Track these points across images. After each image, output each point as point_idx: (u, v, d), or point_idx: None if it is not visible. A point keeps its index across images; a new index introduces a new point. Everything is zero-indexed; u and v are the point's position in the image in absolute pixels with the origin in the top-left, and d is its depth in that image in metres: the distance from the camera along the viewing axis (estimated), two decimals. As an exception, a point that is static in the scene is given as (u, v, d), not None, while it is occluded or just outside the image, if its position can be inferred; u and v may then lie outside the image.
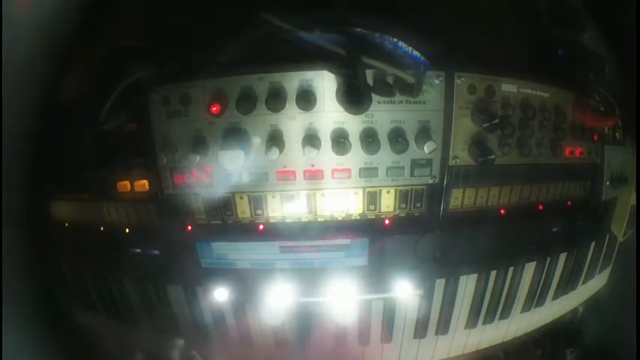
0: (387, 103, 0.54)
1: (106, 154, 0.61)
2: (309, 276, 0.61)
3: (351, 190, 0.58)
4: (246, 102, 0.52)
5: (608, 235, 0.78)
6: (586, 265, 0.76)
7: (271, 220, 0.59)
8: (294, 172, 0.56)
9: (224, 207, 0.58)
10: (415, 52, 0.53)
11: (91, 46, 0.58)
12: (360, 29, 0.55)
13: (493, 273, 0.68)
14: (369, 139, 0.53)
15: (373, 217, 0.59)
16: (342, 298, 0.62)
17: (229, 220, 0.59)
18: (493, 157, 0.55)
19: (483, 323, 0.70)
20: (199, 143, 0.54)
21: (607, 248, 0.79)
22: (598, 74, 0.68)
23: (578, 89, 0.66)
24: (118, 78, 0.55)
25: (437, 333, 0.69)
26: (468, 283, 0.67)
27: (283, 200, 0.58)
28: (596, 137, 0.69)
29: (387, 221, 0.59)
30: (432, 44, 0.55)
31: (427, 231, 0.61)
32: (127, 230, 0.63)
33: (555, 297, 0.75)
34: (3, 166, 0.45)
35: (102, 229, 0.64)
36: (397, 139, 0.53)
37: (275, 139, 0.53)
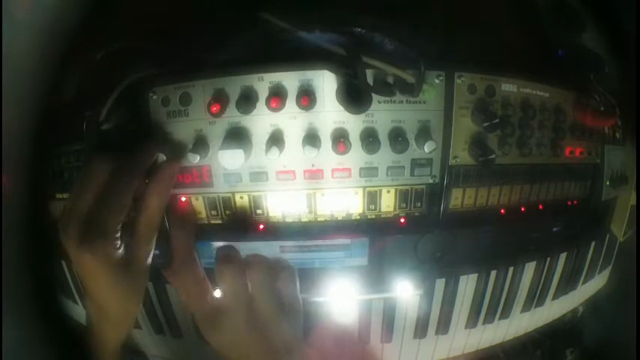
0: (387, 102, 0.54)
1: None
2: (309, 276, 0.61)
3: (351, 189, 0.58)
4: (247, 102, 0.52)
5: (608, 235, 0.78)
6: (586, 265, 0.76)
7: (271, 220, 0.59)
8: (294, 172, 0.56)
9: (224, 207, 0.58)
10: (415, 52, 0.53)
11: (91, 46, 0.58)
12: (360, 29, 0.55)
13: (493, 273, 0.68)
14: (369, 139, 0.53)
15: (373, 216, 0.59)
16: (342, 298, 0.62)
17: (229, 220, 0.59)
18: (493, 156, 0.55)
19: (483, 323, 0.70)
20: (199, 143, 0.54)
21: (607, 248, 0.78)
22: (598, 74, 0.68)
23: (578, 89, 0.66)
24: (118, 78, 0.55)
25: (437, 333, 0.69)
26: (468, 283, 0.67)
27: (283, 200, 0.58)
28: (596, 137, 0.69)
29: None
30: (432, 44, 0.55)
31: (427, 231, 0.61)
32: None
33: (555, 297, 0.75)
34: (3, 166, 0.45)
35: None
36: (397, 138, 0.53)
37: (275, 139, 0.53)
